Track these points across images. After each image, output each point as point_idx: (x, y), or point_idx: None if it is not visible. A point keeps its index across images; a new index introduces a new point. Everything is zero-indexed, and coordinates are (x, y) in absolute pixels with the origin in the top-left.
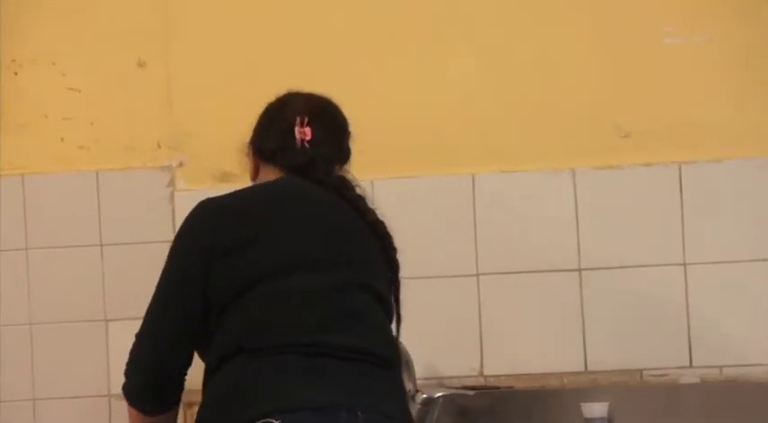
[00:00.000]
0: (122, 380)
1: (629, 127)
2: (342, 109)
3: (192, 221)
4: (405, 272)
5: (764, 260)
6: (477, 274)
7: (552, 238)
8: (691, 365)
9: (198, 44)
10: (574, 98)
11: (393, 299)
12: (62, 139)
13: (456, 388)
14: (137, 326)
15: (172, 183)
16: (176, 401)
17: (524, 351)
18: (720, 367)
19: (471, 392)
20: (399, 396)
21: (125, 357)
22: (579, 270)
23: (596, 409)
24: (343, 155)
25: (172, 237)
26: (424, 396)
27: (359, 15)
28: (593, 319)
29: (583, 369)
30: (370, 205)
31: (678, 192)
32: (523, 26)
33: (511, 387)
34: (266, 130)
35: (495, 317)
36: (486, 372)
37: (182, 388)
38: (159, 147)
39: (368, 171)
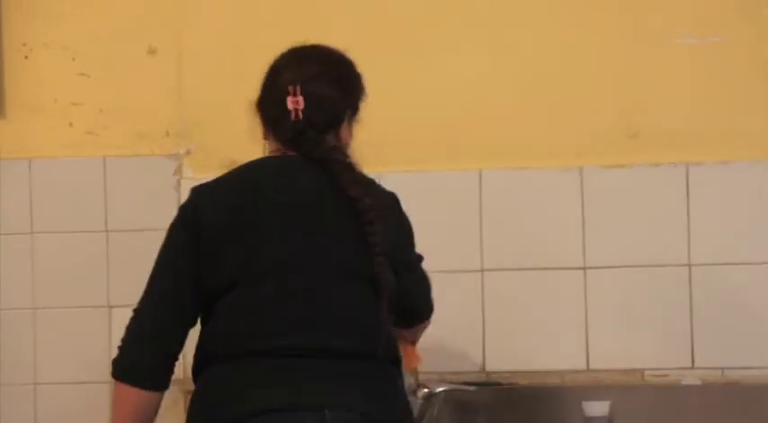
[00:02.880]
0: None
1: (637, 126)
2: (348, 59)
3: (183, 210)
4: None
5: None
6: (482, 270)
7: (558, 235)
8: (693, 366)
9: (209, 33)
10: (583, 96)
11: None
12: (71, 125)
13: (458, 383)
14: None
15: (179, 171)
16: (168, 383)
17: (527, 348)
18: (722, 369)
19: (473, 388)
20: (383, 393)
21: None
22: (584, 268)
23: (597, 407)
24: (342, 115)
25: None
26: (426, 390)
27: (370, 9)
28: (596, 318)
29: (585, 367)
30: (358, 176)
31: (685, 192)
32: (535, 24)
33: (513, 384)
34: (265, 97)
35: (498, 313)
36: (489, 367)
37: (173, 369)
38: (168, 134)
39: (375, 165)
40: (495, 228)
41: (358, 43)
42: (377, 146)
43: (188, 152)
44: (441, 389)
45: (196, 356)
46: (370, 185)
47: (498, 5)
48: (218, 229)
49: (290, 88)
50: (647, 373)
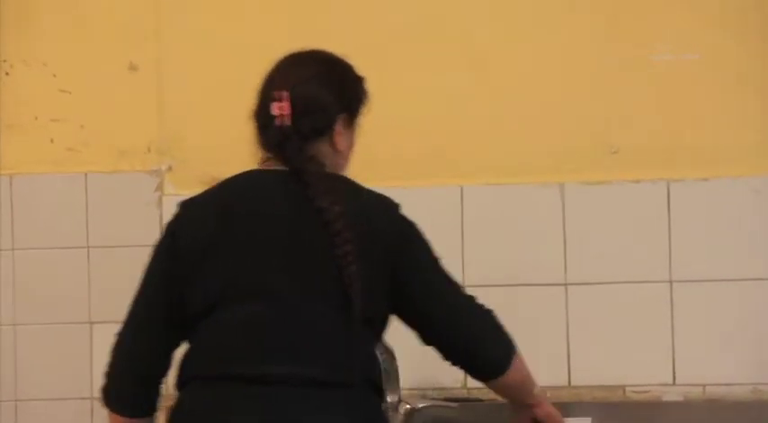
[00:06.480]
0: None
1: (618, 143)
2: (345, 61)
3: (166, 228)
4: None
5: (750, 279)
6: (463, 286)
7: (539, 251)
8: (674, 383)
9: (189, 49)
10: (564, 113)
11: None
12: (52, 141)
13: (439, 399)
14: None
15: (160, 187)
16: (155, 408)
17: None
18: (703, 386)
19: (454, 404)
20: (352, 419)
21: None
22: (565, 285)
23: None
24: (333, 120)
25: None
26: (408, 407)
27: (350, 24)
28: (577, 334)
29: (566, 384)
30: (335, 185)
31: (666, 209)
32: (515, 41)
33: (494, 400)
34: (257, 105)
35: None
36: (470, 384)
37: (159, 393)
38: (149, 151)
39: (357, 180)
40: (477, 244)
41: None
42: (357, 162)
43: (169, 168)
44: (422, 405)
45: (178, 371)
46: (353, 193)
47: (479, 23)
48: (196, 249)
49: (276, 94)
50: (628, 389)
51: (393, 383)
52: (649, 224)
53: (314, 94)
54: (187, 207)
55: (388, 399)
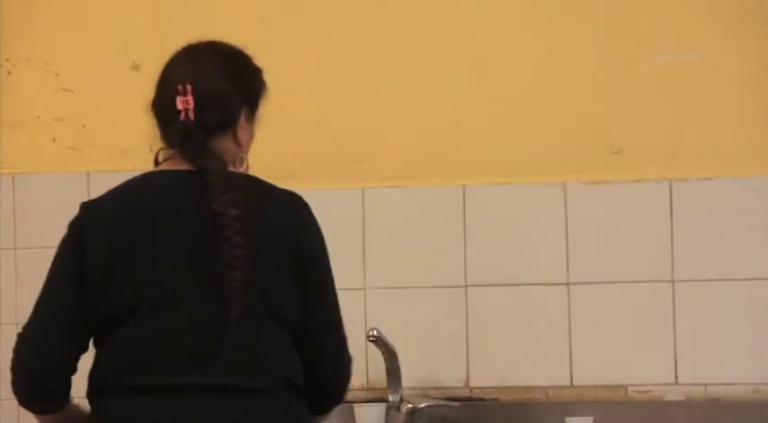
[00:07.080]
0: None
1: (621, 143)
2: (244, 53)
3: (70, 228)
4: (392, 281)
5: (752, 279)
6: (466, 286)
7: (541, 251)
8: (676, 382)
9: None
10: (566, 113)
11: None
12: (54, 140)
13: (441, 399)
14: None
15: None
16: (64, 403)
17: (510, 363)
18: (705, 385)
19: (456, 404)
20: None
21: None
22: (567, 284)
23: None
24: (236, 113)
25: None
26: (410, 406)
27: (352, 27)
28: (579, 334)
29: (568, 383)
30: (235, 185)
31: (668, 209)
32: (517, 41)
33: (496, 399)
34: (156, 99)
35: (482, 329)
36: (472, 383)
37: (68, 389)
38: (151, 150)
39: (359, 180)
40: (479, 243)
41: (342, 61)
42: (360, 162)
43: None
44: (424, 404)
45: (90, 382)
46: (258, 192)
47: (481, 23)
48: (103, 253)
49: (180, 87)
50: (630, 388)
51: (395, 383)
52: (651, 224)
53: (217, 87)
54: (91, 209)
55: (390, 398)
